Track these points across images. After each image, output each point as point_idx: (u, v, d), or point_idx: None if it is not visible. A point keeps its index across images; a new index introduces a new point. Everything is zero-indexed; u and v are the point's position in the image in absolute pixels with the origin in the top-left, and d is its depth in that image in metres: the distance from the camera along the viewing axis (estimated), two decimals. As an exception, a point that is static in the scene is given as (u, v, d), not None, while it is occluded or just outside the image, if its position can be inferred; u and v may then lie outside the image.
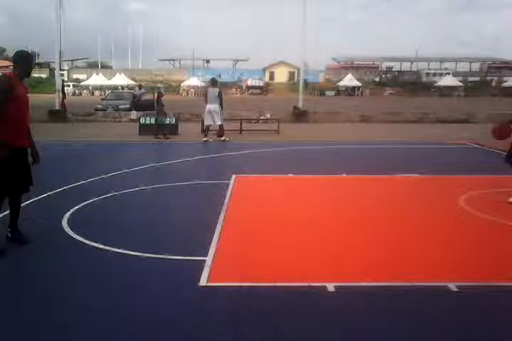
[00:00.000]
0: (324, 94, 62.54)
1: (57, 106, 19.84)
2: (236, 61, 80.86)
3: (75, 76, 70.30)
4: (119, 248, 4.58)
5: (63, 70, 49.38)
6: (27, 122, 4.67)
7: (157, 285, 3.83)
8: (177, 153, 11.60)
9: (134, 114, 19.57)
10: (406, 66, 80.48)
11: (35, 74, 58.61)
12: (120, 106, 22.94)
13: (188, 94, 60.33)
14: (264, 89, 65.16)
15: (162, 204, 6.59)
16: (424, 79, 74.43)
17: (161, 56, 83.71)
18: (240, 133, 15.49)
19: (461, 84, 65.61)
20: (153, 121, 14.86)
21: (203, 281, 3.83)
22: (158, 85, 26.71)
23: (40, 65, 68.09)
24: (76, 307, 3.46)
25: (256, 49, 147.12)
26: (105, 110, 22.34)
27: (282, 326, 3.19)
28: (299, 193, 7.21)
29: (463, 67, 78.53)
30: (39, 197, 6.47)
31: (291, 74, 73.36)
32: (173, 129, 14.86)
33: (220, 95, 13.76)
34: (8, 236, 4.74)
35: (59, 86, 20.77)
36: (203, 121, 14.26)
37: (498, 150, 10.03)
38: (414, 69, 79.99)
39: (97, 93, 56.98)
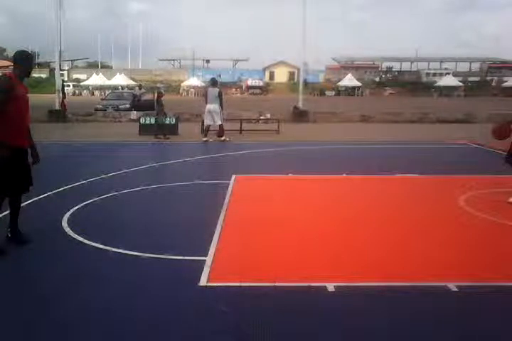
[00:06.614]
0: (324, 94, 62.52)
1: (57, 106, 19.86)
2: (236, 61, 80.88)
3: (75, 76, 70.30)
4: (119, 248, 4.58)
5: (63, 70, 49.33)
6: (27, 122, 4.67)
7: (157, 285, 3.83)
8: (177, 153, 11.60)
9: (134, 114, 19.57)
10: (406, 66, 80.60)
11: (35, 74, 58.56)
12: (120, 106, 22.97)
13: (188, 94, 60.33)
14: (264, 89, 65.14)
15: (162, 204, 6.58)
16: (424, 79, 74.39)
17: (161, 56, 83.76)
18: (240, 133, 15.49)
19: (461, 84, 65.57)
20: (153, 121, 14.87)
21: (203, 281, 3.83)
22: (158, 85, 26.75)
23: (40, 65, 68.07)
24: (76, 307, 3.46)
25: (256, 49, 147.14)
26: (105, 110, 22.35)
27: (282, 326, 3.19)
28: (299, 193, 7.21)
29: (463, 67, 78.59)
30: (39, 197, 6.46)
31: (291, 74, 73.36)
32: (173, 129, 14.86)
33: (220, 95, 13.75)
34: (8, 236, 4.74)
35: (59, 86, 20.80)
36: (203, 121, 14.25)
37: (498, 150, 10.03)
38: (414, 69, 79.99)
39: (97, 93, 56.96)
